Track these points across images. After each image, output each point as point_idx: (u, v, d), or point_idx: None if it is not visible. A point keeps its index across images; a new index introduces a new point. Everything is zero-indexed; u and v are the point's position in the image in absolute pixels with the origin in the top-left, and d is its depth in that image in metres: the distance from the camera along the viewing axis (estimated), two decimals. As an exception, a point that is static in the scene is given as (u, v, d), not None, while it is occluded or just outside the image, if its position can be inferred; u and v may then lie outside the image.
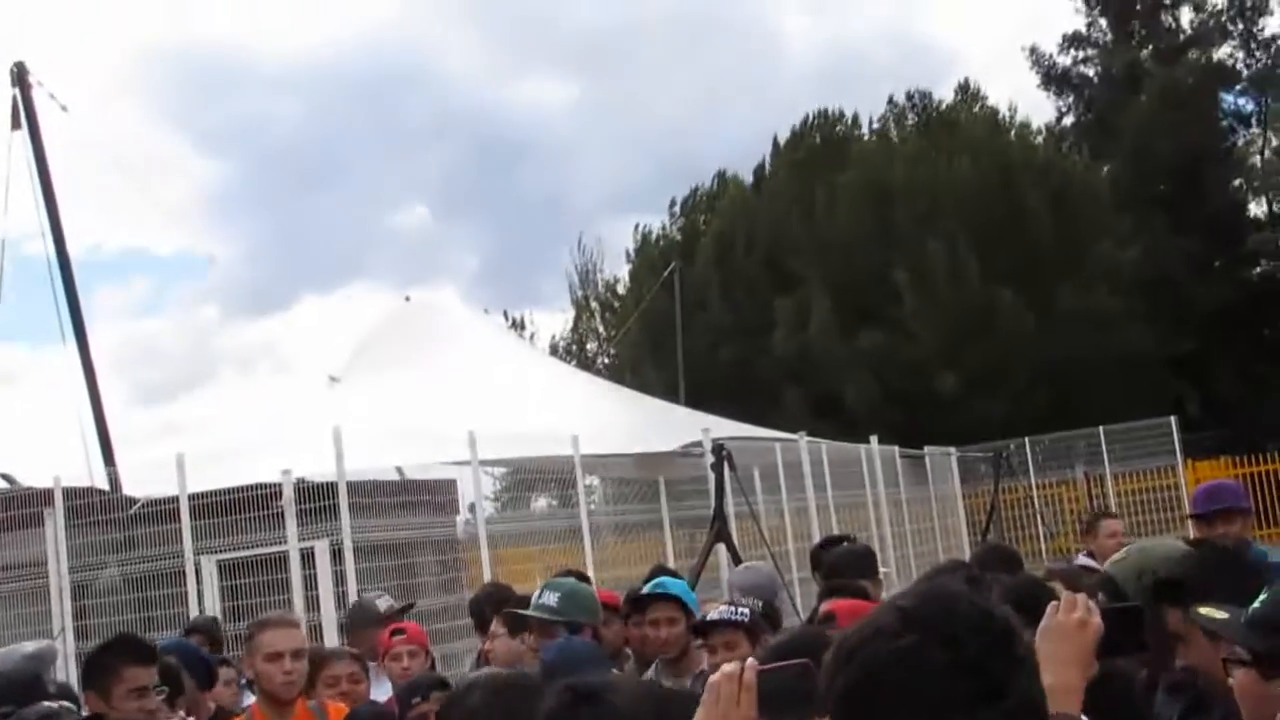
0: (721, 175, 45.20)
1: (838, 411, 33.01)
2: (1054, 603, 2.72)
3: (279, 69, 70.54)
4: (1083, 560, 8.29)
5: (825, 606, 5.33)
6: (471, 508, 17.49)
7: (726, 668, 2.47)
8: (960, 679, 1.93)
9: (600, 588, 8.25)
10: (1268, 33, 40.49)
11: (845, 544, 8.11)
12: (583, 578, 7.31)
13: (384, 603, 7.00)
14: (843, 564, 6.80)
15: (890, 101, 43.15)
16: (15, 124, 19.05)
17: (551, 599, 5.68)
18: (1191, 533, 7.44)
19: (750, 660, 2.49)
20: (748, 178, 44.20)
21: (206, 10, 70.98)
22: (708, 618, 5.53)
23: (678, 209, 45.34)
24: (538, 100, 68.94)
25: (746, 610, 5.46)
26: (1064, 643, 2.59)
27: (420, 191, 75.59)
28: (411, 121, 72.59)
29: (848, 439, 24.58)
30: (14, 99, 19.14)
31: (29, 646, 5.99)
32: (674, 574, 7.20)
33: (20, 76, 19.35)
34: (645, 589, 6.29)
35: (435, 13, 71.61)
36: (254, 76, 71.46)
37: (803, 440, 21.64)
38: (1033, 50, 42.92)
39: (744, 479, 17.98)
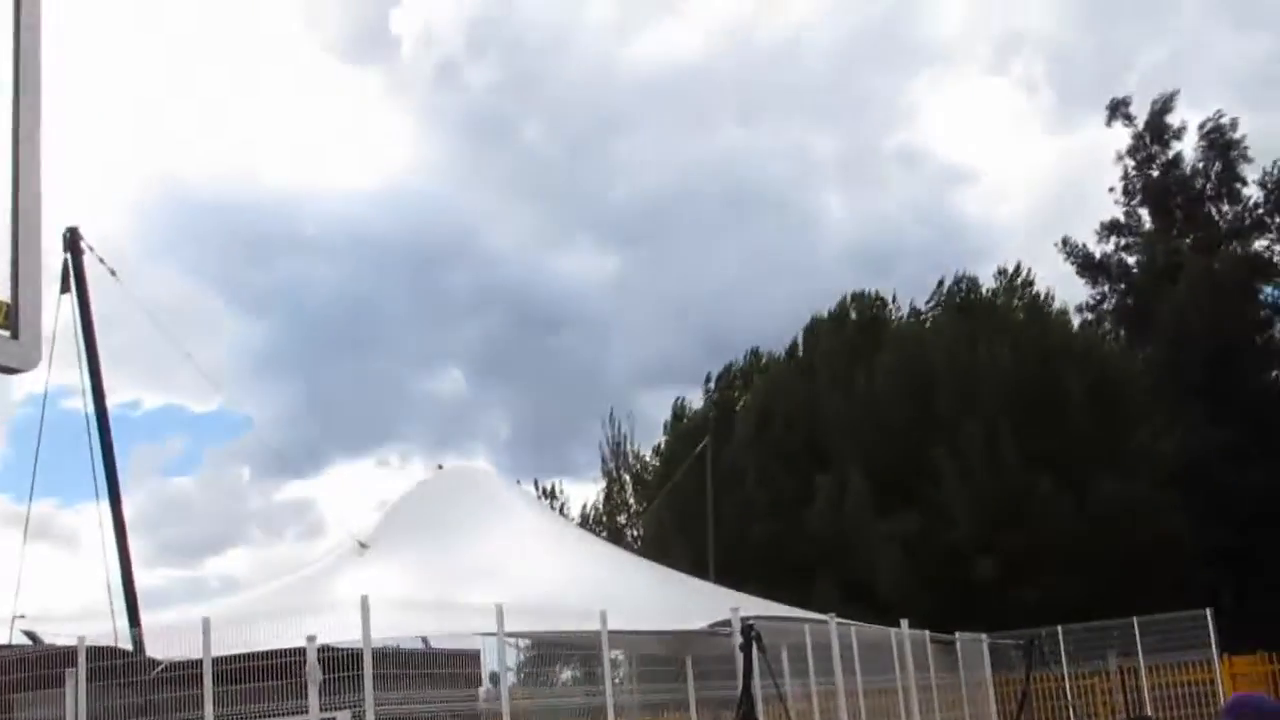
0: (755, 352, 45.53)
1: (870, 594, 32.65)
2: None
3: (322, 231, 71.86)
4: None
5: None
6: (494, 679, 17.29)
7: None
8: None
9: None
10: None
11: None
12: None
13: None
14: None
15: (938, 286, 43.59)
16: (65, 287, 19.40)
17: None
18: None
19: None
20: (782, 355, 44.51)
21: (250, 171, 72.52)
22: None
23: (712, 384, 45.58)
24: (577, 272, 69.94)
25: None
26: None
27: (456, 358, 76.27)
28: (452, 289, 73.59)
29: (879, 622, 24.26)
30: (65, 263, 19.52)
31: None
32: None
33: (73, 242, 19.78)
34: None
35: (481, 184, 73.05)
36: (296, 238, 72.77)
37: (833, 622, 21.38)
38: (1065, 241, 43.38)
39: (772, 659, 17.74)
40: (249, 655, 14.45)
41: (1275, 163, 40.75)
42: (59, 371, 19.85)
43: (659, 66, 70.20)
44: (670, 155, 68.93)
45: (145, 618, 18.86)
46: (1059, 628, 29.44)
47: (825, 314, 43.74)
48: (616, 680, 18.61)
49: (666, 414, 46.73)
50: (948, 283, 43.39)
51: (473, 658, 17.99)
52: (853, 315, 43.55)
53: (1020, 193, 71.99)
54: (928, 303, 43.52)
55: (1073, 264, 43.41)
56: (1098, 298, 43.69)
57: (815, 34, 72.11)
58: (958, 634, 27.52)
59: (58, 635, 18.93)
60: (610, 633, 17.06)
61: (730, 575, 28.33)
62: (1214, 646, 28.65)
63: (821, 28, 72.79)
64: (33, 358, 3.37)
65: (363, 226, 70.35)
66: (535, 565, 21.19)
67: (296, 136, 76.41)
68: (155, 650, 16.36)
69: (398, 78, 75.52)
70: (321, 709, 13.67)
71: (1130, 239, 43.26)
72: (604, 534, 39.02)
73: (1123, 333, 41.95)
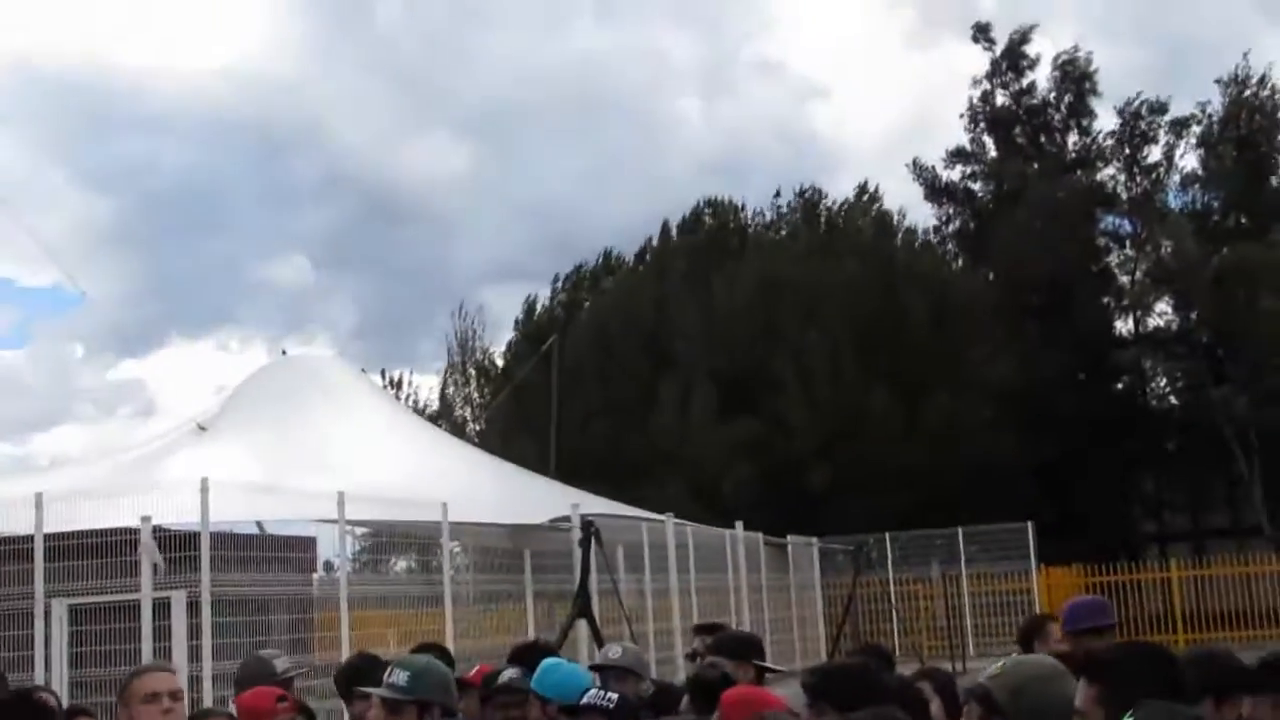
0: (607, 254, 45.61)
1: (709, 497, 33.22)
2: None
3: (168, 109, 69.69)
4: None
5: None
6: (328, 566, 17.32)
7: None
8: None
9: (460, 658, 8.22)
10: (1150, 159, 41.96)
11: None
12: (444, 653, 7.24)
13: (281, 663, 6.81)
14: (726, 646, 6.64)
15: (795, 196, 44.08)
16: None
17: (401, 678, 5.56)
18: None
19: None
20: (635, 258, 44.72)
21: (95, 47, 69.97)
22: (583, 703, 5.48)
23: (560, 284, 45.60)
24: (429, 165, 69.00)
25: (614, 696, 5.42)
26: None
27: (302, 245, 74.96)
28: (300, 175, 72.14)
29: (717, 525, 24.76)
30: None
31: None
32: (549, 651, 7.11)
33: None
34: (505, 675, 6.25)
35: (335, 67, 71.44)
36: (142, 116, 70.52)
37: (669, 522, 21.77)
38: (915, 163, 43.99)
39: (609, 556, 18.05)
40: (82, 532, 14.26)
41: (1129, 99, 41.70)
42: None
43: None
44: (527, 53, 68.16)
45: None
46: (886, 535, 30.43)
47: (679, 219, 43.98)
48: (453, 571, 18.75)
49: (514, 311, 46.70)
50: (796, 193, 43.94)
51: (308, 543, 17.98)
52: (707, 221, 43.82)
53: (875, 111, 72.72)
54: (780, 212, 44.03)
55: (921, 185, 44.08)
56: (943, 219, 44.46)
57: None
58: (790, 537, 28.24)
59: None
60: (451, 524, 17.18)
61: (572, 475, 28.57)
62: (1033, 558, 29.92)
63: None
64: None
65: (211, 106, 68.40)
66: (377, 454, 21.11)
67: (143, 11, 73.75)
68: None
69: (255, -49, 73.13)
70: (156, 589, 13.57)
71: (976, 166, 43.96)
72: (446, 427, 38.85)
73: (963, 258, 42.85)
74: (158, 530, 13.93)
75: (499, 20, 70.41)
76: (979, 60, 44.35)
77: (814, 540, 29.59)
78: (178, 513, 14.29)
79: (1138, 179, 42.31)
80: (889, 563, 30.35)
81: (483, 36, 68.96)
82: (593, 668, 7.15)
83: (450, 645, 16.02)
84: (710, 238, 42.57)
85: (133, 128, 70.21)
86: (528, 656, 6.57)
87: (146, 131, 71.00)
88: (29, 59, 67.19)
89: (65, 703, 11.54)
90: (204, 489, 13.60)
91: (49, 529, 14.19)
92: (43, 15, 69.07)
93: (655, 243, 44.04)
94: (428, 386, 49.18)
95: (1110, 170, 42.80)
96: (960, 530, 30.55)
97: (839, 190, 43.83)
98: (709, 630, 8.14)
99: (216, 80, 68.69)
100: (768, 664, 6.67)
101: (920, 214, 44.41)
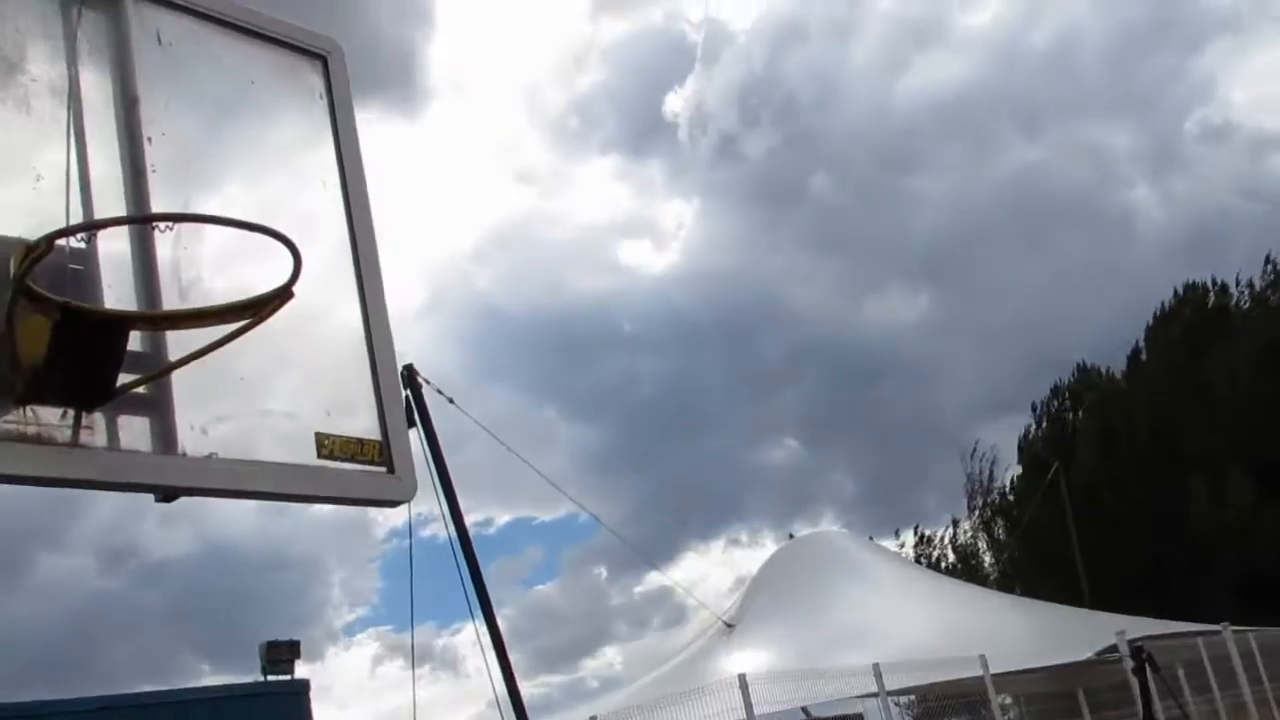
0: (1082, 366, 44.07)
1: (1266, 594, 30.78)
2: None
3: (635, 326, 73.47)
4: None
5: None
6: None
7: None
8: None
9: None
10: None
11: None
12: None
13: None
14: None
15: (1268, 260, 41.36)
16: (410, 423, 20.42)
17: None
18: None
19: None
20: (1111, 364, 43.10)
21: (557, 282, 74.97)
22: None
23: (1040, 410, 44.28)
24: (888, 318, 69.22)
25: None
26: None
27: (786, 426, 76.40)
28: (768, 358, 73.95)
29: (1276, 623, 22.89)
30: (406, 399, 20.58)
31: None
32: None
33: (410, 378, 20.87)
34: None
35: (775, 247, 73.46)
36: (613, 337, 74.64)
37: (1227, 630, 20.32)
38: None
39: (1169, 679, 16.95)
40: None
41: None
42: (414, 503, 20.91)
43: (933, 96, 69.29)
44: (961, 183, 67.74)
45: (535, 727, 19.43)
46: None
47: (1158, 311, 42.04)
48: (1009, 723, 18.12)
49: (1011, 446, 45.59)
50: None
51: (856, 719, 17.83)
52: (1187, 309, 41.71)
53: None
54: (1266, 279, 41.22)
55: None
56: None
57: (1086, 33, 69.81)
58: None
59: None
60: (994, 676, 16.67)
61: (1106, 601, 27.21)
62: None
63: (1093, 21, 70.40)
64: (410, 488, 3.60)
65: (672, 313, 71.66)
66: (904, 619, 20.90)
67: (596, 237, 78.74)
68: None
69: (679, 161, 76.97)
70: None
71: None
72: (972, 577, 38.03)
73: None
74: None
75: (928, 161, 70.56)
76: None
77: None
78: (725, 712, 14.54)
79: None
80: None
81: (912, 178, 69.28)
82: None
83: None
84: (1195, 322, 40.38)
85: (604, 350, 74.39)
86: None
87: (617, 351, 75.03)
88: (492, 301, 72.63)
89: None
90: (744, 685, 13.82)
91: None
92: (497, 260, 74.75)
93: (1141, 341, 42.24)
94: (941, 540, 48.39)
95: None
96: None
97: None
98: None
99: (670, 287, 71.99)
100: None
101: None
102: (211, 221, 3.09)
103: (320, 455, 3.36)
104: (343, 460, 3.42)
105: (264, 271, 3.00)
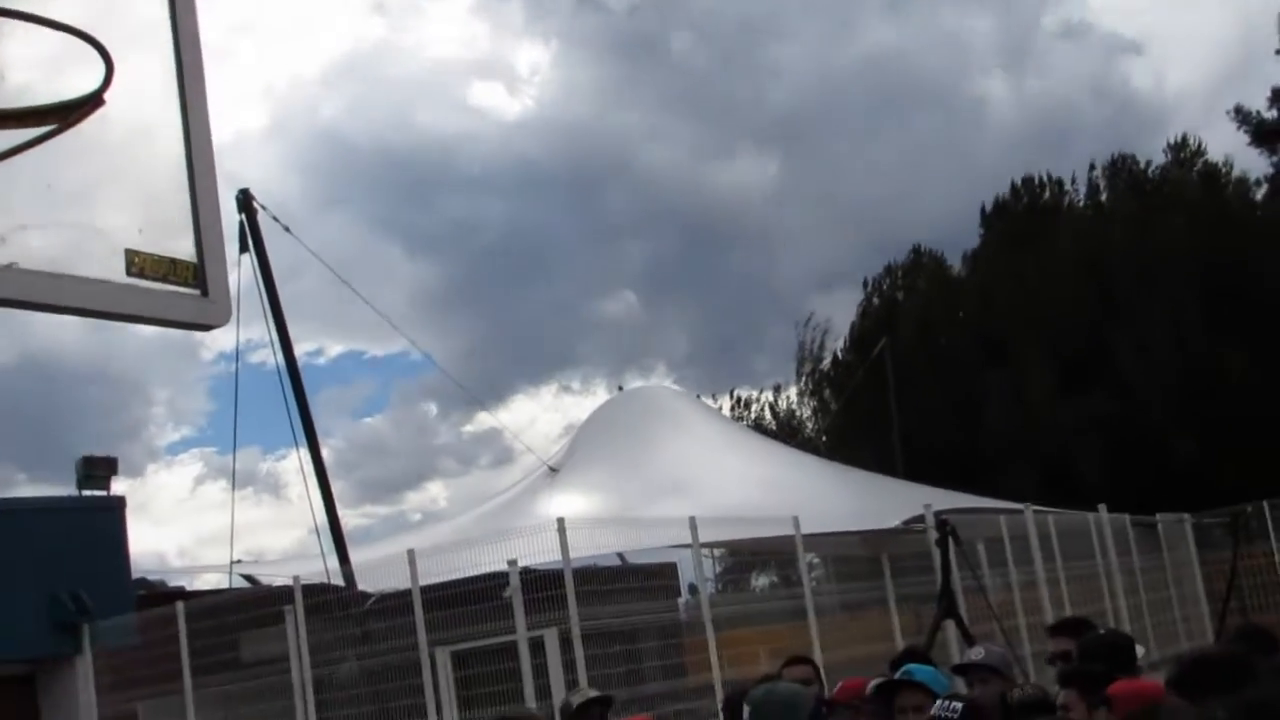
0: (917, 249, 44.89)
1: (1063, 481, 32.13)
2: None
3: (483, 169, 72.49)
4: None
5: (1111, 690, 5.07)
6: (692, 589, 17.54)
7: None
8: None
9: (829, 669, 8.22)
10: None
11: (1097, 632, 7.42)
12: (809, 666, 7.32)
13: (578, 697, 7.10)
14: (1096, 653, 6.30)
15: (1093, 168, 42.38)
16: (243, 247, 20.05)
17: (745, 714, 5.69)
18: None
19: None
20: (948, 249, 44.03)
21: (407, 120, 73.38)
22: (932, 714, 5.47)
23: (871, 287, 45.08)
24: (740, 183, 69.41)
25: (958, 706, 5.38)
26: None
27: (627, 279, 76.63)
28: (615, 212, 73.77)
29: (1074, 508, 23.91)
30: (240, 223, 20.16)
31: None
32: (925, 659, 7.03)
33: (246, 203, 20.42)
34: (896, 675, 6.21)
35: (632, 104, 72.83)
36: (456, 177, 73.60)
37: (1029, 510, 21.16)
38: (1238, 110, 41.32)
39: (969, 552, 17.63)
40: (454, 582, 14.91)
41: None
42: (243, 329, 20.63)
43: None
44: (821, 58, 67.72)
45: (354, 554, 19.57)
46: (1264, 503, 28.54)
47: (993, 202, 42.89)
48: (814, 583, 18.71)
49: (846, 318, 46.43)
50: (1110, 160, 42.12)
51: (670, 570, 18.26)
52: (1023, 201, 42.62)
53: (1191, 58, 68.87)
54: (1100, 182, 42.25)
55: (1246, 131, 41.35)
56: (1278, 164, 41.49)
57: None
58: (1159, 515, 26.98)
59: (274, 576, 19.83)
60: (805, 536, 17.16)
61: (919, 475, 28.11)
62: None
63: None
64: (224, 312, 3.53)
65: (521, 159, 70.82)
66: (723, 476, 21.38)
67: (445, 78, 77.05)
68: (366, 584, 17.03)
69: (539, 7, 75.52)
70: (528, 628, 14.07)
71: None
72: (793, 442, 38.92)
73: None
74: (525, 572, 14.42)
75: (789, 31, 70.37)
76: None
77: (1185, 516, 28.16)
78: (541, 553, 14.75)
79: None
80: (1270, 532, 28.43)
81: (775, 49, 69.05)
82: (955, 669, 7.03)
83: (817, 657, 16.01)
84: (1027, 217, 41.32)
85: (449, 190, 73.42)
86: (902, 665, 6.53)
87: (463, 193, 74.10)
88: (338, 131, 71.00)
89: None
90: (561, 529, 14.03)
91: (423, 581, 14.92)
92: (345, 90, 72.96)
93: (972, 230, 43.16)
94: (768, 404, 49.39)
95: None
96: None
97: (1156, 148, 41.49)
98: (1071, 630, 7.46)
99: (523, 134, 71.12)
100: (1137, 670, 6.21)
101: (1248, 164, 41.67)
102: (18, 18, 2.94)
103: (130, 273, 3.27)
104: (154, 280, 3.33)
105: (80, 79, 2.89)
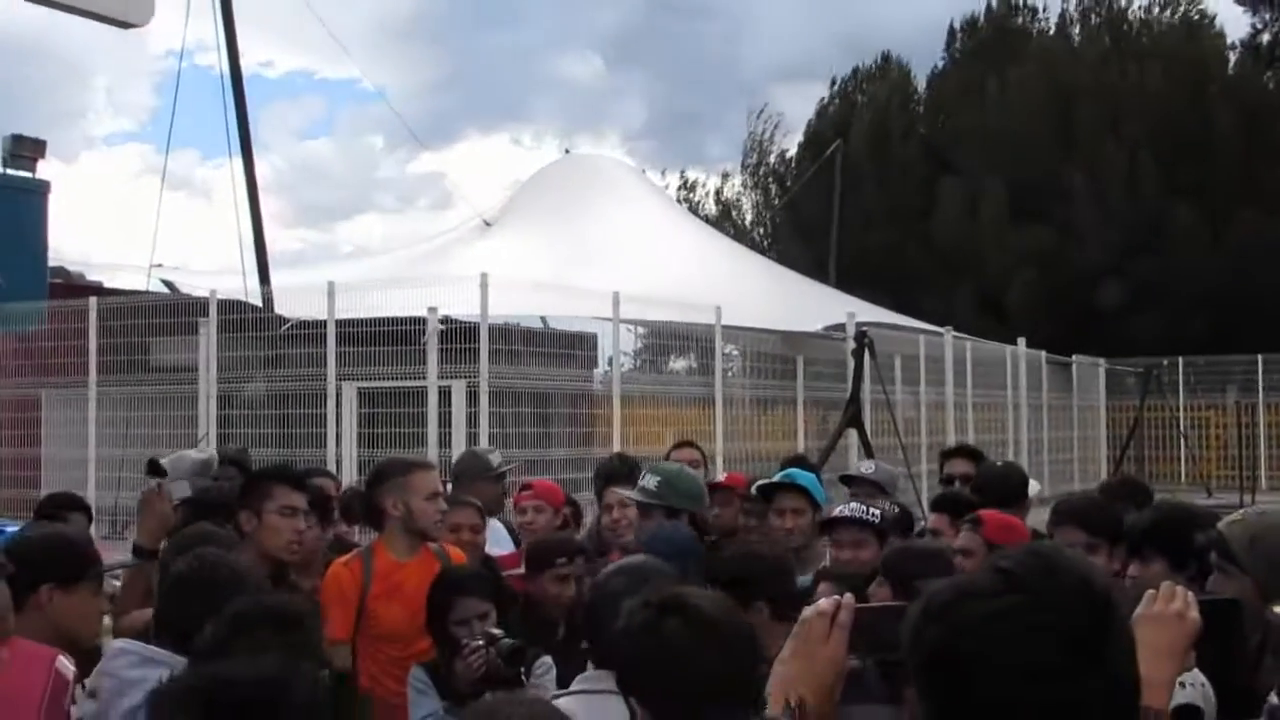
0: (886, 56, 44.13)
1: (994, 310, 32.42)
2: (1151, 592, 2.55)
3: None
4: None
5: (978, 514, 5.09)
6: (610, 362, 17.63)
7: (822, 604, 2.42)
8: (1059, 646, 1.85)
9: (731, 460, 8.31)
10: None
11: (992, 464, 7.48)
12: (695, 450, 7.46)
13: (495, 458, 7.06)
14: (989, 483, 6.37)
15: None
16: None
17: (651, 482, 5.71)
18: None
19: (848, 598, 2.43)
20: (918, 58, 43.40)
21: None
22: (838, 514, 5.49)
23: (838, 87, 44.37)
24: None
25: (878, 511, 5.39)
26: (1160, 634, 2.40)
27: (596, 41, 75.12)
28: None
29: (999, 337, 24.20)
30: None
31: (194, 454, 6.13)
32: (810, 465, 7.09)
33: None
34: (775, 478, 6.25)
35: None
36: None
37: (948, 335, 21.40)
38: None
39: (884, 367, 17.83)
40: (372, 320, 14.85)
41: None
42: (195, 27, 19.94)
43: None
44: None
45: (280, 277, 19.40)
46: (1180, 359, 29.08)
47: (962, 19, 42.21)
48: (729, 373, 18.86)
49: (806, 114, 45.86)
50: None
51: (590, 339, 18.29)
52: (996, 22, 41.90)
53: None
54: (1074, 15, 41.53)
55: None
56: (1259, 26, 40.97)
57: None
58: (1075, 357, 27.41)
59: (194, 287, 19.64)
60: (724, 327, 17.23)
61: (852, 283, 28.22)
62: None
63: None
64: (146, 13, 3.32)
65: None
66: (655, 255, 21.32)
67: None
68: (284, 308, 16.92)
69: None
70: (440, 377, 14.09)
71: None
72: (731, 232, 38.73)
73: (1277, 69, 39.57)
74: (444, 321, 14.36)
75: None
76: None
77: (1101, 361, 28.63)
78: (464, 305, 14.68)
79: None
80: (1180, 388, 29.05)
81: None
82: (843, 478, 7.14)
83: (719, 445, 16.26)
84: (997, 37, 40.64)
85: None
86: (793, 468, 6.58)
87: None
88: None
89: (355, 478, 12.25)
90: (483, 284, 13.94)
91: (342, 315, 14.85)
92: None
93: (941, 43, 42.51)
94: (714, 189, 48.90)
95: None
96: (1260, 357, 28.94)
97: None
98: (967, 457, 7.48)
99: None
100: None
101: (1228, 22, 41.13)
102: None
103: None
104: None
105: None
